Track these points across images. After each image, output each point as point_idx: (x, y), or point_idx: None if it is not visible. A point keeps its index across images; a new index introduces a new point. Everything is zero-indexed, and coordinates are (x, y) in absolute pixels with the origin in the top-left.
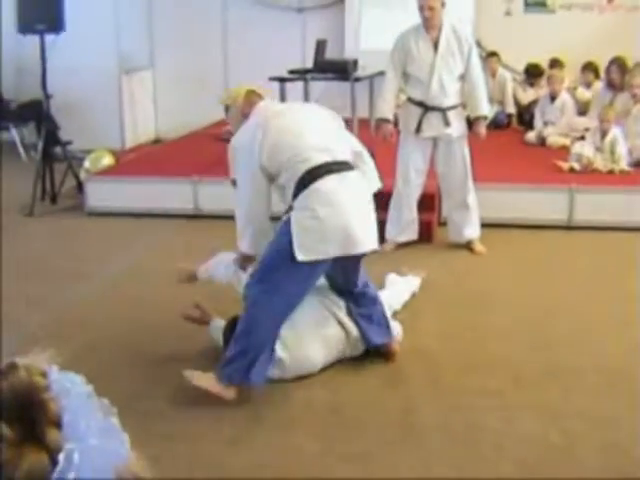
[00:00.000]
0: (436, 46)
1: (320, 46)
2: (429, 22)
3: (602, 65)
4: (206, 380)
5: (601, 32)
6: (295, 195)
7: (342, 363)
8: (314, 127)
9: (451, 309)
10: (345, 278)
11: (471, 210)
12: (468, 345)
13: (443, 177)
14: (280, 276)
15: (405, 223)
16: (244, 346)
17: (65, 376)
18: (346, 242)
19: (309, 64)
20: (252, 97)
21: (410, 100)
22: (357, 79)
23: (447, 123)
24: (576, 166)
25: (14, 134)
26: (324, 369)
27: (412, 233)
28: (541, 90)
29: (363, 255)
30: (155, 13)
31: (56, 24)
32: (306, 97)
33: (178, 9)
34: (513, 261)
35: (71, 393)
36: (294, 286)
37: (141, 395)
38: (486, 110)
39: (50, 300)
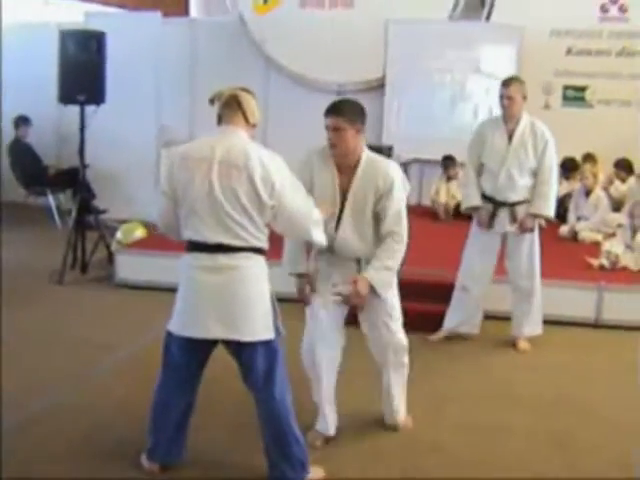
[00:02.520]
0: (511, 138)
1: None
2: (507, 112)
3: (638, 162)
4: None
5: (638, 128)
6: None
7: (356, 457)
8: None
9: (475, 403)
10: (242, 372)
11: (535, 307)
12: (489, 441)
13: (510, 271)
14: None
15: (468, 316)
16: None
17: None
18: (189, 323)
19: None
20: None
21: (482, 195)
22: None
23: (515, 219)
24: (606, 263)
25: (50, 200)
26: (329, 465)
27: (473, 326)
28: (575, 184)
29: (252, 351)
30: (197, 88)
31: (97, 96)
32: None
33: (220, 84)
34: (540, 357)
35: None
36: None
37: None
38: (551, 212)
39: (73, 371)
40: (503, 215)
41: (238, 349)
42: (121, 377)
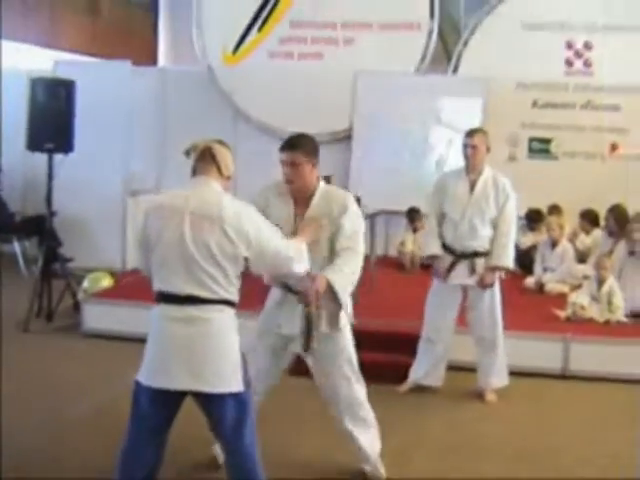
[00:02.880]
0: (473, 189)
1: (326, 181)
2: (470, 162)
3: (602, 213)
4: None
5: (603, 180)
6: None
7: None
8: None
9: (443, 454)
10: (210, 423)
11: (499, 358)
12: None
13: (472, 323)
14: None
15: (431, 368)
16: None
17: None
18: (158, 374)
19: None
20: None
21: (442, 245)
22: None
23: (474, 271)
24: (572, 315)
25: (16, 247)
26: None
27: (437, 379)
28: (541, 236)
29: (222, 403)
30: (168, 136)
31: (65, 144)
32: None
33: (189, 135)
34: (507, 409)
35: None
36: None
37: None
38: (510, 262)
39: (39, 420)
40: (462, 267)
41: (207, 401)
42: (88, 428)
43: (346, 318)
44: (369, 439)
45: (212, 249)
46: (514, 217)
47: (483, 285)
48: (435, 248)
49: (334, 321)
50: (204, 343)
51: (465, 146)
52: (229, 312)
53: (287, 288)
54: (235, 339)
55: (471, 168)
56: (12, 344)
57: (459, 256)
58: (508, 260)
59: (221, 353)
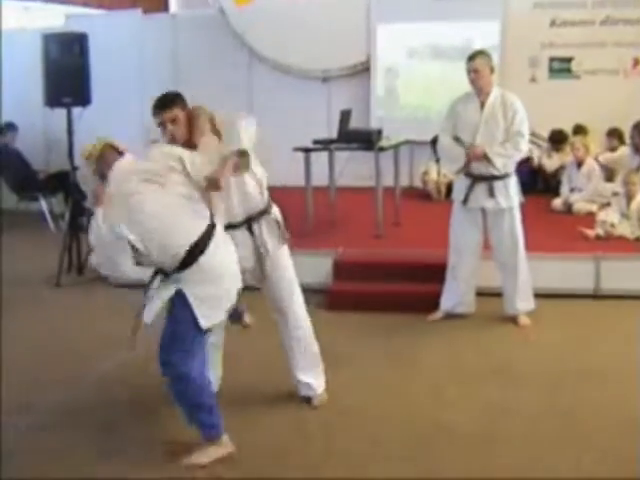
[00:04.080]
0: (483, 111)
1: (344, 116)
2: (474, 85)
3: (627, 130)
4: (206, 454)
5: (626, 96)
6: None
7: (360, 435)
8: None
9: (477, 381)
10: None
11: (522, 282)
12: (494, 419)
13: (494, 248)
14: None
15: (461, 294)
16: (201, 409)
17: None
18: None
19: (334, 132)
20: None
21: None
22: (381, 149)
23: (492, 194)
24: (602, 233)
25: (43, 204)
26: (340, 443)
27: (468, 305)
28: (566, 157)
29: None
30: (181, 84)
31: (82, 97)
32: (331, 166)
33: (204, 79)
34: (540, 332)
35: None
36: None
37: None
38: (496, 159)
39: (69, 376)
40: (480, 190)
41: None
42: (124, 376)
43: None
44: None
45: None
46: (524, 129)
47: (470, 156)
48: (461, 156)
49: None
50: None
51: (468, 71)
52: None
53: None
54: None
55: (478, 91)
56: (45, 299)
57: (476, 179)
58: (500, 161)
59: None
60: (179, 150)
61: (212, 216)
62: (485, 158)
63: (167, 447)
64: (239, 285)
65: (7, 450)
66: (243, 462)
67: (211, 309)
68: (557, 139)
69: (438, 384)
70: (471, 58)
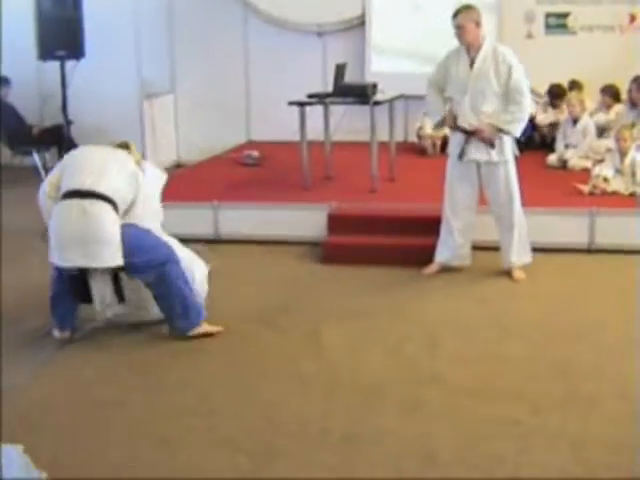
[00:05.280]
0: (473, 66)
1: (339, 70)
2: (461, 41)
3: (623, 87)
4: (204, 328)
5: (623, 53)
6: None
7: (357, 390)
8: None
9: (471, 335)
10: None
11: (518, 236)
12: (487, 372)
13: (490, 202)
14: None
15: (455, 248)
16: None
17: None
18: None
19: (330, 87)
20: None
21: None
22: (377, 103)
23: (491, 146)
24: (594, 189)
25: (36, 159)
26: (338, 398)
27: (464, 258)
28: (562, 114)
29: None
30: (176, 39)
31: (76, 50)
32: (326, 121)
33: (199, 34)
34: (534, 285)
35: (9, 468)
36: None
37: None
38: (514, 129)
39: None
40: (475, 144)
41: None
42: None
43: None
44: None
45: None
46: (523, 86)
47: (480, 136)
48: (441, 110)
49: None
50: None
51: (454, 28)
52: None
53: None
54: None
55: (467, 47)
56: (38, 253)
57: (470, 134)
58: (513, 126)
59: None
60: None
61: None
62: (499, 131)
63: None
64: None
65: None
66: None
67: None
68: (555, 93)
69: (434, 336)
70: (455, 15)
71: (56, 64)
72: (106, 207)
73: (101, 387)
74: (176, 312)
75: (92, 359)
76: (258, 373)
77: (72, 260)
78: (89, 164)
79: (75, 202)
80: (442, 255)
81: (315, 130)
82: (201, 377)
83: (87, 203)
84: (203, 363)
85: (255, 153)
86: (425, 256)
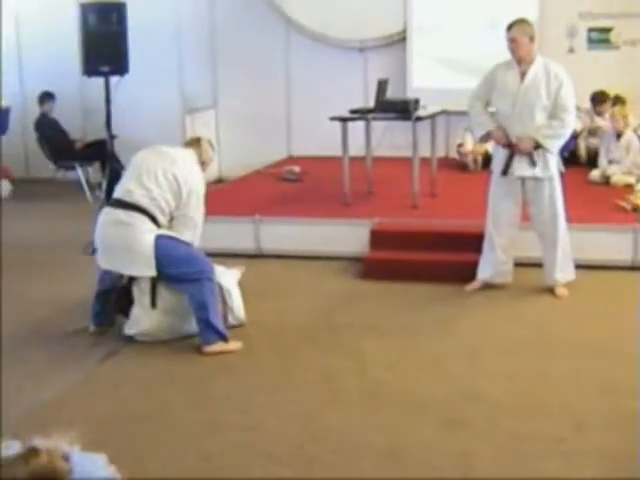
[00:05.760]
0: (523, 80)
1: (381, 86)
2: (514, 55)
3: None
4: (220, 347)
5: None
6: None
7: (398, 406)
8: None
9: (513, 352)
10: None
11: (562, 253)
12: (530, 389)
13: (534, 218)
14: None
15: (499, 264)
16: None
17: (87, 458)
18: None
19: (371, 102)
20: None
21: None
22: (419, 118)
23: (532, 163)
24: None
25: (79, 173)
26: (380, 413)
27: (506, 275)
28: (603, 121)
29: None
30: (218, 54)
31: (120, 66)
32: (367, 136)
33: (241, 49)
34: (578, 303)
35: (94, 477)
36: None
37: None
38: (551, 146)
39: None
40: (519, 160)
41: None
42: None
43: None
44: None
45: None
46: (570, 104)
47: (517, 149)
48: (487, 123)
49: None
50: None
51: (508, 41)
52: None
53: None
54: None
55: (518, 61)
56: (79, 266)
57: (515, 148)
58: (552, 143)
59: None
60: None
61: None
62: (536, 145)
63: None
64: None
65: None
66: None
67: None
68: (599, 99)
69: (475, 353)
70: (508, 27)
71: (100, 79)
72: (140, 218)
73: (142, 401)
74: (201, 329)
75: (133, 373)
76: (299, 388)
77: (108, 264)
78: (134, 172)
79: (112, 211)
80: (484, 272)
81: (356, 145)
82: (242, 392)
83: (122, 213)
84: (244, 378)
85: (296, 168)
86: (467, 272)
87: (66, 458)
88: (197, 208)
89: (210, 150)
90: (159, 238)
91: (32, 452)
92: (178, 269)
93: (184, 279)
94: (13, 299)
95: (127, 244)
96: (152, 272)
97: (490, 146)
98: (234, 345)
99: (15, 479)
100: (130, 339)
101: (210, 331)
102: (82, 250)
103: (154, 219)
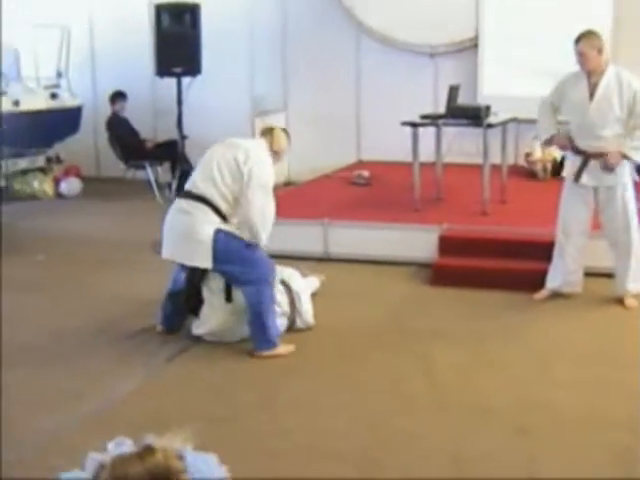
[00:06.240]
0: (593, 91)
1: (453, 91)
2: (583, 68)
3: None
4: (268, 352)
5: None
6: None
7: (466, 411)
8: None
9: (582, 362)
10: None
11: (635, 262)
12: (597, 399)
13: (605, 226)
14: None
15: (568, 274)
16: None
17: (200, 457)
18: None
19: (441, 108)
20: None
21: (572, 148)
22: (490, 125)
23: (605, 171)
24: None
25: (149, 173)
26: (446, 417)
27: (575, 285)
28: None
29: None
30: (289, 57)
31: (193, 67)
32: (438, 142)
33: (312, 52)
34: None
35: (206, 475)
36: None
37: None
38: (638, 157)
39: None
40: (591, 167)
41: None
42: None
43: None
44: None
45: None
46: None
47: (605, 166)
48: (552, 128)
49: None
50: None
51: (576, 54)
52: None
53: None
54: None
55: (588, 73)
56: (148, 265)
57: (588, 156)
58: (638, 155)
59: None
60: None
61: None
62: (623, 158)
63: None
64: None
65: None
66: None
67: None
68: None
69: (543, 361)
70: (577, 41)
71: (171, 80)
72: (202, 208)
73: (210, 402)
74: (253, 332)
75: (201, 373)
76: (367, 391)
77: (168, 253)
78: (201, 164)
79: (178, 201)
80: (554, 281)
81: (425, 151)
82: (309, 394)
83: (185, 203)
84: (312, 380)
85: (365, 173)
86: (536, 280)
87: (180, 457)
88: (261, 193)
89: (283, 138)
90: (218, 232)
91: (148, 450)
92: (234, 267)
93: (240, 279)
94: (82, 295)
95: (186, 233)
96: (208, 264)
97: (558, 154)
98: (285, 349)
99: (128, 476)
100: (197, 339)
101: (261, 338)
102: (151, 249)
103: (218, 211)
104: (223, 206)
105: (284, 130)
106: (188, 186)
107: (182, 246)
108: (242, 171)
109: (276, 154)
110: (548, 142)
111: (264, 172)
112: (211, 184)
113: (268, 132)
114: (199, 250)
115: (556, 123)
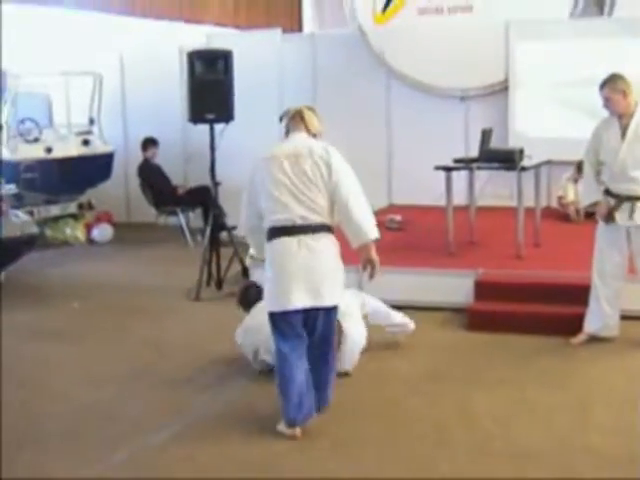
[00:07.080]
0: (625, 133)
1: (486, 135)
2: (610, 112)
3: None
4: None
5: None
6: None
7: (507, 458)
8: (286, 181)
9: (622, 407)
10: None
11: None
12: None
13: (639, 268)
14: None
15: (604, 318)
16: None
17: None
18: (282, 300)
19: (472, 151)
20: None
21: (605, 190)
22: (523, 168)
23: (633, 212)
24: None
25: (181, 219)
26: (488, 465)
27: (612, 328)
28: None
29: (328, 312)
30: (320, 102)
31: (226, 114)
32: (471, 186)
33: (342, 97)
34: None
35: None
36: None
37: None
38: None
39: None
40: (624, 208)
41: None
42: (261, 387)
43: None
44: None
45: (308, 174)
46: None
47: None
48: (595, 195)
49: None
50: (317, 265)
51: (602, 99)
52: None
53: None
54: (339, 259)
55: (618, 116)
56: (184, 310)
57: (621, 198)
58: None
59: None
60: None
61: None
62: None
63: None
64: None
65: None
66: None
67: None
68: None
69: (584, 407)
70: (601, 87)
71: (202, 126)
72: (326, 237)
73: (244, 449)
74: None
75: (240, 421)
76: (407, 437)
77: (298, 300)
78: (275, 194)
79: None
80: (591, 325)
81: (458, 194)
82: (351, 439)
83: (305, 238)
84: (352, 427)
85: (398, 217)
86: (572, 325)
87: None
88: (351, 181)
89: (314, 118)
90: None
91: None
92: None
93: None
94: (115, 341)
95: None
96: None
97: None
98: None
99: None
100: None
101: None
102: (185, 295)
103: (330, 228)
104: (328, 220)
105: (309, 108)
106: (287, 222)
107: (320, 287)
108: (324, 174)
109: (316, 136)
110: (591, 206)
111: (334, 152)
112: (309, 204)
113: (299, 120)
114: (338, 286)
115: (599, 185)
